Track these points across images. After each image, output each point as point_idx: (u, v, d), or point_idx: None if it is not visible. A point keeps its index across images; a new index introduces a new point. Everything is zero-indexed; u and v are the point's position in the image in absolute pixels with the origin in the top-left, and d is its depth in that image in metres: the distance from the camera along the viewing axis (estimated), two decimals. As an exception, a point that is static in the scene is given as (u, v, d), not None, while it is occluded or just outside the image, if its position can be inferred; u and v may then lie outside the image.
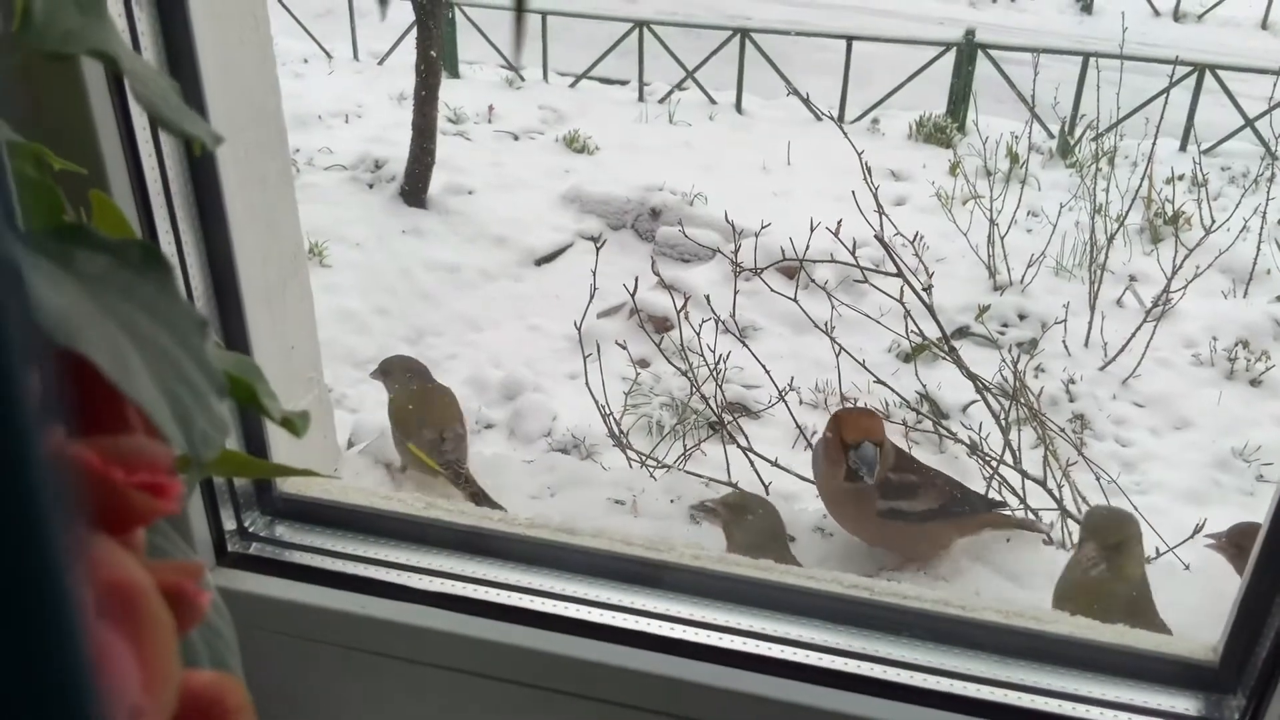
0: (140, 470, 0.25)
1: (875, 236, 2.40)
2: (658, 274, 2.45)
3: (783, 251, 2.56)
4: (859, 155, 2.59)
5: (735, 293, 2.67)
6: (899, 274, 2.37)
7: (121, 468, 0.24)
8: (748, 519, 1.09)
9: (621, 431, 2.40)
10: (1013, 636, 0.72)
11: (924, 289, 2.41)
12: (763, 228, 2.72)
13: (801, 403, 3.20)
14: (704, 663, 0.71)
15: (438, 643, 0.74)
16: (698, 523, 1.13)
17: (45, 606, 0.16)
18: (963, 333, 3.86)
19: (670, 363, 2.48)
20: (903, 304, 2.33)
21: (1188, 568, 1.48)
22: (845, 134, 2.81)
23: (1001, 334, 3.85)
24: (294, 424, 0.37)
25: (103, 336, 0.27)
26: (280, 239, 0.85)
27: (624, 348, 2.75)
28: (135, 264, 0.30)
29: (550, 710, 0.74)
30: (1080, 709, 0.68)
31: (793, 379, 2.59)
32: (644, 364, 3.20)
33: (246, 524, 0.80)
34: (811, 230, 2.36)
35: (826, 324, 2.39)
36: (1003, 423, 2.40)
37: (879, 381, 2.43)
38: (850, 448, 1.11)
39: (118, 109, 0.62)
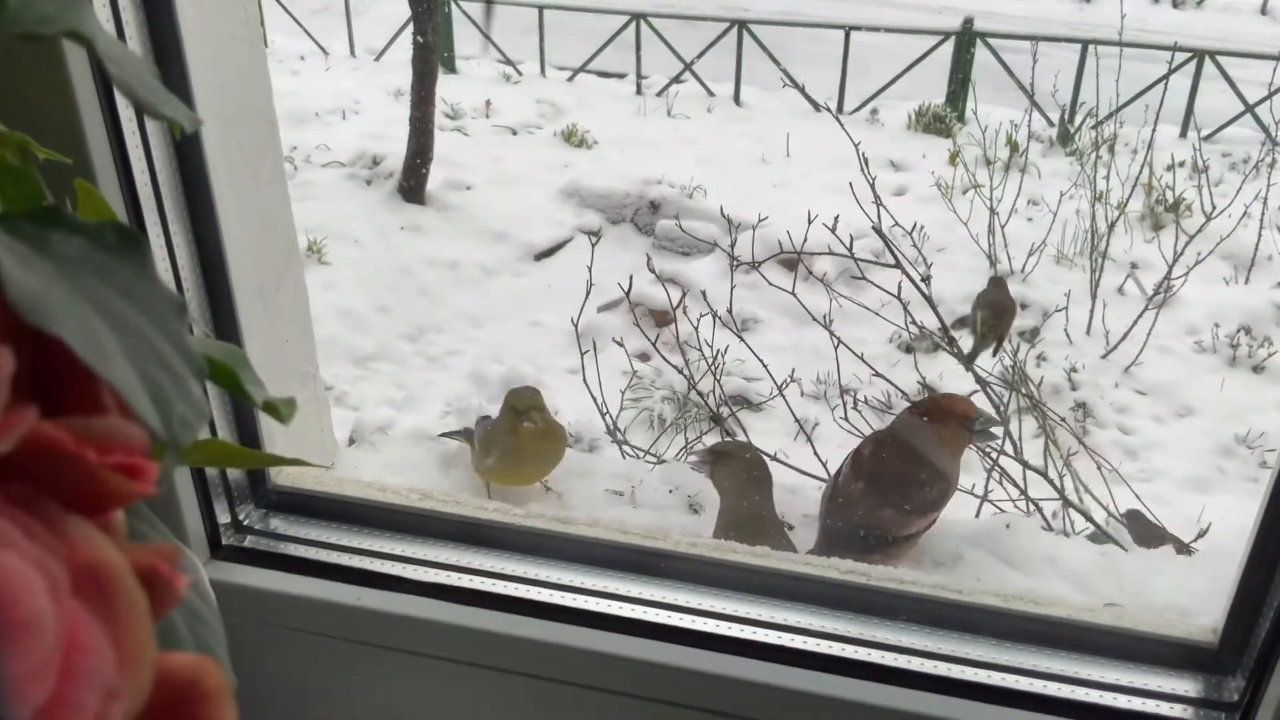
0: (114, 451, 0.25)
1: (873, 228, 2.40)
2: (653, 270, 2.44)
3: (780, 245, 2.55)
4: (856, 147, 2.58)
5: (731, 288, 2.67)
6: (897, 265, 2.36)
7: (95, 448, 0.24)
8: (733, 464, 1.14)
9: (618, 428, 2.40)
10: (1011, 620, 0.72)
11: (922, 279, 2.40)
12: (760, 221, 2.71)
13: (803, 395, 3.20)
14: (700, 650, 0.71)
15: (434, 633, 0.74)
16: (699, 472, 1.17)
17: None
18: (964, 322, 3.85)
19: (668, 358, 2.48)
20: (900, 299, 2.33)
21: (1190, 554, 1.48)
22: (842, 125, 2.79)
23: (1003, 323, 3.84)
24: (277, 409, 0.37)
25: (77, 318, 0.26)
26: (274, 235, 0.85)
27: (621, 345, 2.75)
28: (111, 246, 0.30)
29: (547, 699, 0.74)
30: (1080, 691, 0.68)
31: (793, 371, 2.58)
32: (644, 357, 3.19)
33: (241, 517, 0.80)
34: (809, 223, 2.35)
35: (825, 316, 2.39)
36: (1002, 414, 2.39)
37: (877, 374, 2.43)
38: (967, 420, 1.13)
39: (103, 102, 0.62)
